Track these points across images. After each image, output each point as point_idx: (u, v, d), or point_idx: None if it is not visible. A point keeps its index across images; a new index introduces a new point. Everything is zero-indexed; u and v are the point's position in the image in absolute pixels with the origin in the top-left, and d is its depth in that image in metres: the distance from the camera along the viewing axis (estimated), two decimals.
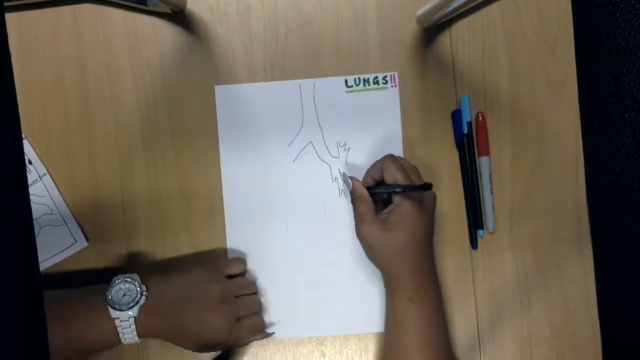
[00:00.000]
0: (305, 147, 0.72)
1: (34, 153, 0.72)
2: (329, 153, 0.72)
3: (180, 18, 0.72)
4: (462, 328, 0.71)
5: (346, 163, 0.72)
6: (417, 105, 0.72)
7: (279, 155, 0.72)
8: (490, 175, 0.70)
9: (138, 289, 0.63)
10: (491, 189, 0.70)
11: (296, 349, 0.71)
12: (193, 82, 0.72)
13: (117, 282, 0.64)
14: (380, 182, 0.67)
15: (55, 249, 0.72)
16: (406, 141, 0.72)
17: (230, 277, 0.70)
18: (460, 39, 0.71)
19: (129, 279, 0.64)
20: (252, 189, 0.72)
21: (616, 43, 0.36)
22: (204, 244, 0.72)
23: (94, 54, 0.72)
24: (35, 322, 0.37)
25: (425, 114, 0.72)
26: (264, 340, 0.71)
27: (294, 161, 0.72)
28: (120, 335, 0.63)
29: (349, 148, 0.72)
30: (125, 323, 0.63)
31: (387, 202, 0.67)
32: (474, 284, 0.71)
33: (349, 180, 0.68)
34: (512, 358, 0.71)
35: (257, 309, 0.70)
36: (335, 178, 0.72)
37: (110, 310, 0.63)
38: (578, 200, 0.70)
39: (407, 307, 0.64)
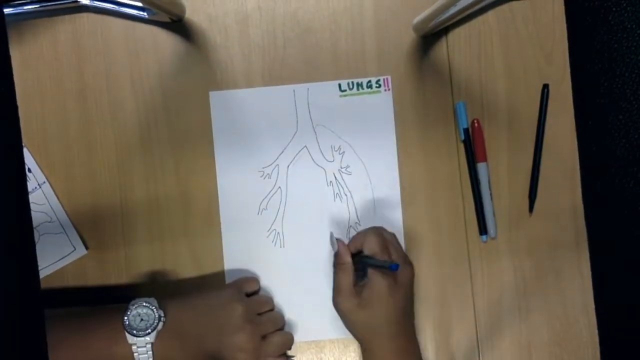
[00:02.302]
0: (299, 151, 0.73)
1: (33, 161, 0.72)
2: (324, 157, 0.73)
3: (179, 27, 0.73)
4: (461, 334, 0.71)
5: (341, 167, 0.72)
6: (414, 113, 0.72)
7: (273, 160, 0.73)
8: (489, 181, 0.71)
9: (156, 314, 0.63)
10: (490, 194, 0.71)
11: (295, 356, 0.71)
12: (192, 90, 0.73)
13: (134, 306, 0.63)
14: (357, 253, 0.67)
15: (55, 256, 0.72)
16: (402, 147, 0.72)
17: (247, 295, 0.70)
18: (457, 46, 0.72)
19: (146, 304, 0.63)
20: (248, 194, 0.73)
21: (609, 46, 0.36)
22: (202, 250, 0.72)
23: (93, 62, 0.73)
24: (34, 330, 0.37)
25: (422, 121, 0.72)
26: None
27: (288, 166, 0.73)
28: None
29: (343, 152, 0.72)
30: (142, 349, 0.62)
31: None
32: (472, 290, 0.71)
33: (335, 243, 0.67)
34: None
35: (281, 324, 0.70)
36: (330, 182, 0.72)
37: (128, 336, 0.62)
38: (575, 205, 0.70)
39: None
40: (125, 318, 0.62)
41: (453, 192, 0.72)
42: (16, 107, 0.36)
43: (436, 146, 0.72)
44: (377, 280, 0.63)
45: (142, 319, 0.62)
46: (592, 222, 0.44)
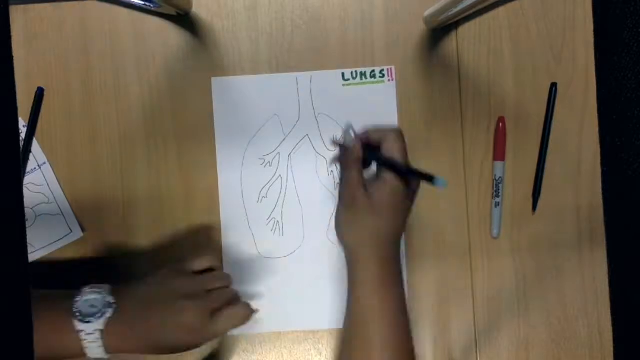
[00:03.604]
0: (301, 140, 0.72)
1: (35, 141, 0.71)
2: (325, 146, 0.72)
3: (186, 19, 0.71)
4: (459, 330, 0.71)
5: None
6: (421, 106, 0.72)
7: (275, 148, 0.72)
8: (502, 179, 0.71)
9: (105, 300, 0.58)
10: (501, 194, 0.71)
11: (292, 346, 0.71)
12: (197, 76, 0.72)
13: (86, 291, 0.59)
14: (372, 148, 0.58)
15: (50, 238, 0.71)
16: (406, 139, 0.71)
17: (201, 273, 0.65)
18: (467, 41, 0.71)
19: (96, 289, 0.59)
20: (248, 182, 0.72)
21: (638, 39, 0.36)
22: (202, 236, 0.72)
23: (99, 44, 0.72)
24: (20, 316, 0.36)
25: (428, 115, 0.72)
26: (260, 336, 0.71)
27: (289, 154, 0.72)
28: (86, 349, 0.58)
29: None
30: (91, 337, 0.57)
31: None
32: (472, 287, 0.71)
33: (352, 135, 0.58)
34: None
35: (231, 299, 0.64)
36: (331, 172, 0.72)
37: (75, 322, 0.57)
38: (579, 205, 0.71)
39: (371, 299, 0.56)
40: (74, 303, 0.58)
41: (457, 187, 0.72)
42: (14, 90, 0.35)
43: (441, 140, 0.72)
44: (394, 184, 0.55)
45: (91, 305, 0.58)
46: (611, 216, 0.43)
